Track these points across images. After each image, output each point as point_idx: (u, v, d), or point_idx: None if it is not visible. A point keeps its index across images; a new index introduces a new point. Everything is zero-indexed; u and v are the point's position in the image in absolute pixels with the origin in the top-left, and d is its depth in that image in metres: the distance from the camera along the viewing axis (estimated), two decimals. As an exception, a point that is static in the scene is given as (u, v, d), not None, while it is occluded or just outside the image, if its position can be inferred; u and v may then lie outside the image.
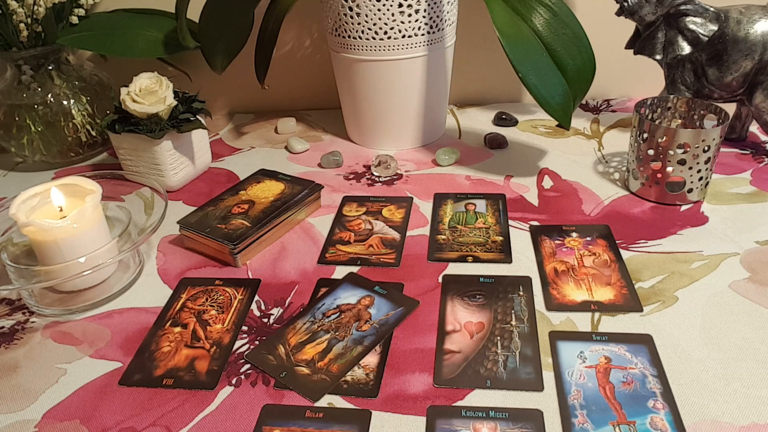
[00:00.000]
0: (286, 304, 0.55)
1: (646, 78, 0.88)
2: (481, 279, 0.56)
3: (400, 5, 0.71)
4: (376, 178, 0.75)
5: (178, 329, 0.53)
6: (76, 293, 0.58)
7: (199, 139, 0.77)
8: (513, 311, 0.52)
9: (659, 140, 0.63)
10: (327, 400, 0.45)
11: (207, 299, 0.56)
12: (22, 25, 0.76)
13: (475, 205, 0.68)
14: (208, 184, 0.77)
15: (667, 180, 0.64)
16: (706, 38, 0.70)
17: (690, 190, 0.65)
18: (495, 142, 0.81)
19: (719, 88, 0.73)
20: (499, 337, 0.49)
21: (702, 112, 0.68)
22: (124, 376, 0.48)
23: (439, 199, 0.70)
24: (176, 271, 0.61)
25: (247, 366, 0.48)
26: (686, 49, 0.71)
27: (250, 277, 0.59)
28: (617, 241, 0.60)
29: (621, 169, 0.74)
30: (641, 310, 0.51)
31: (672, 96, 0.70)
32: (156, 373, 0.48)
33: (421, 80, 0.77)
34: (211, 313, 0.54)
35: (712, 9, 0.70)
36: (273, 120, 0.95)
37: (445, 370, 0.46)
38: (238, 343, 0.51)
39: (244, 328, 0.53)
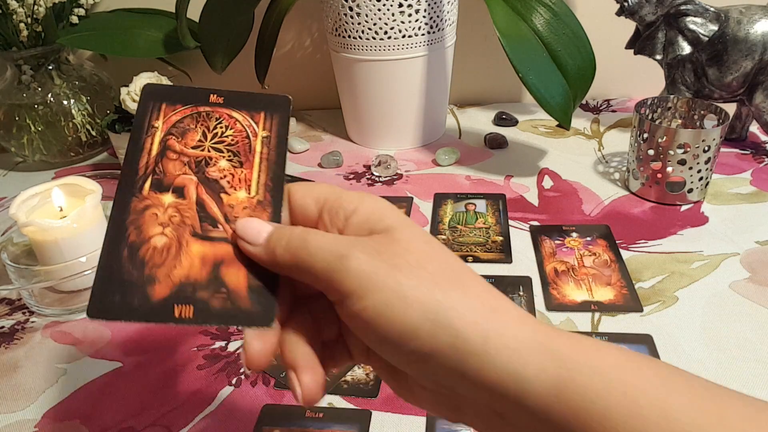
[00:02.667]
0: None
1: (646, 78, 0.88)
2: (481, 279, 0.56)
3: (400, 5, 0.71)
4: (376, 178, 0.75)
5: (169, 197, 0.30)
6: (76, 293, 0.57)
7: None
8: (513, 311, 0.52)
9: (659, 140, 0.63)
10: (327, 400, 0.45)
11: (204, 133, 0.33)
12: (22, 25, 0.76)
13: (475, 205, 0.68)
14: (208, 184, 0.77)
15: (667, 180, 0.64)
16: (707, 38, 0.70)
17: (690, 190, 0.65)
18: (495, 142, 0.81)
19: (719, 88, 0.73)
20: (499, 337, 0.49)
21: (702, 112, 0.68)
22: (95, 302, 0.27)
23: (439, 199, 0.70)
24: (176, 271, 0.61)
25: (247, 366, 0.48)
26: (686, 49, 0.71)
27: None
28: (617, 241, 0.60)
29: (621, 169, 0.74)
30: (641, 310, 0.51)
31: (672, 96, 0.70)
32: (155, 294, 0.28)
33: (421, 80, 0.77)
34: (220, 166, 0.32)
35: (712, 9, 0.70)
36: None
37: (445, 370, 0.46)
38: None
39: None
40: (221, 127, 0.33)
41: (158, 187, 0.31)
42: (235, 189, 0.31)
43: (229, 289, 0.28)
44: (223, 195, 0.31)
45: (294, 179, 0.71)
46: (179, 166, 0.31)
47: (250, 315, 0.28)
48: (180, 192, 0.31)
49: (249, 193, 0.31)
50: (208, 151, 0.32)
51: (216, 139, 0.33)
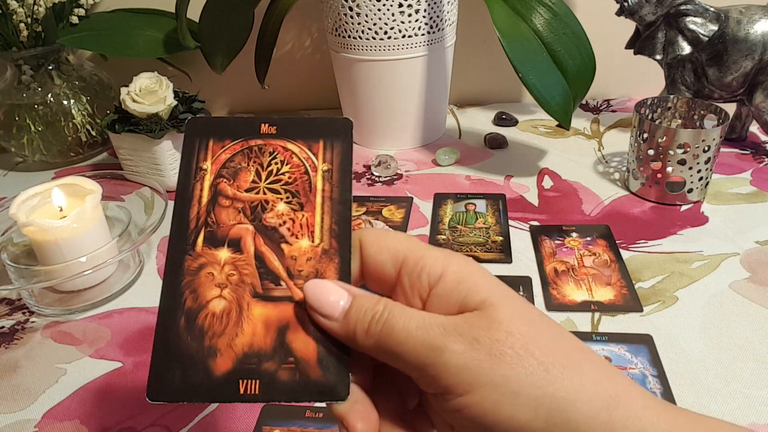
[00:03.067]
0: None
1: (646, 78, 0.88)
2: (481, 279, 0.56)
3: (400, 5, 0.71)
4: (376, 178, 0.75)
5: (225, 253, 0.27)
6: (76, 293, 0.57)
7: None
8: (513, 311, 0.52)
9: (659, 140, 0.63)
10: (327, 400, 0.45)
11: (257, 171, 0.29)
12: (22, 25, 0.76)
13: (475, 205, 0.68)
14: (208, 184, 0.76)
15: (667, 180, 0.64)
16: (706, 38, 0.70)
17: (690, 190, 0.65)
18: (495, 142, 0.81)
19: (719, 88, 0.73)
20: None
21: (702, 112, 0.68)
22: (153, 382, 0.25)
23: (439, 199, 0.70)
24: (176, 271, 0.61)
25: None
26: (686, 49, 0.71)
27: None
28: (617, 241, 0.60)
29: (621, 169, 0.74)
30: (641, 310, 0.51)
31: (672, 96, 0.70)
32: (218, 368, 0.26)
33: (421, 80, 0.77)
34: (278, 210, 0.28)
35: (712, 9, 0.70)
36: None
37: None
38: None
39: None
40: (276, 163, 0.29)
41: (212, 242, 0.27)
42: (297, 237, 0.28)
43: (297, 358, 0.25)
44: (283, 245, 0.27)
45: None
46: (233, 214, 0.28)
47: (323, 387, 0.25)
48: (236, 245, 0.27)
49: (312, 241, 0.28)
50: (264, 193, 0.29)
51: (272, 179, 0.29)
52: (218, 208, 0.28)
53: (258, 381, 0.25)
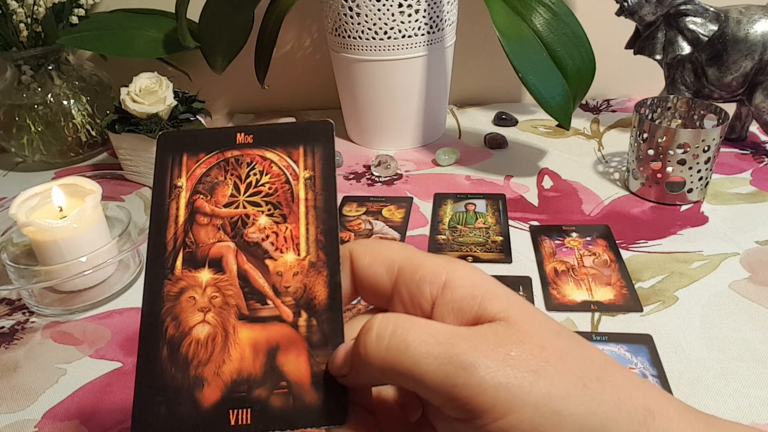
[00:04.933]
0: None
1: (646, 78, 0.88)
2: (481, 279, 0.56)
3: (400, 5, 0.71)
4: (376, 178, 0.75)
5: (206, 274, 0.26)
6: (76, 293, 0.57)
7: (199, 139, 0.77)
8: (513, 311, 0.52)
9: (659, 140, 0.63)
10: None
11: (236, 184, 0.28)
12: (22, 25, 0.76)
13: (475, 205, 0.68)
14: (208, 184, 0.76)
15: (667, 180, 0.64)
16: (706, 38, 0.70)
17: (690, 190, 0.65)
18: (495, 142, 0.81)
19: (719, 88, 0.73)
20: (499, 337, 0.49)
21: (702, 112, 0.68)
22: (138, 419, 0.25)
23: (439, 199, 0.70)
24: (176, 271, 0.61)
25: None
26: (686, 49, 0.71)
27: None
28: (617, 241, 0.60)
29: (621, 169, 0.74)
30: (641, 310, 0.51)
31: (672, 96, 0.70)
32: (205, 399, 0.24)
33: (421, 80, 0.77)
34: (260, 224, 0.27)
35: (712, 9, 0.70)
36: (273, 120, 0.95)
37: (445, 370, 0.46)
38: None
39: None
40: (255, 174, 0.28)
41: (192, 263, 0.26)
42: (282, 251, 0.26)
43: (290, 382, 0.24)
44: (268, 261, 0.26)
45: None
46: (212, 232, 0.26)
47: (320, 411, 0.23)
48: (218, 265, 0.26)
49: (298, 254, 0.26)
50: (244, 207, 0.27)
51: (251, 191, 0.27)
52: (196, 227, 0.27)
53: (249, 410, 0.24)
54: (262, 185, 0.27)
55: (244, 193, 0.27)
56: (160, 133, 0.29)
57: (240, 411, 0.24)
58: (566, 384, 0.20)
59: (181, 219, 0.27)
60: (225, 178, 0.28)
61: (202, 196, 0.27)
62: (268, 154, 0.28)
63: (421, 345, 0.21)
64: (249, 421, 0.24)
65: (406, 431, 0.25)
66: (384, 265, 0.25)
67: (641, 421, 0.21)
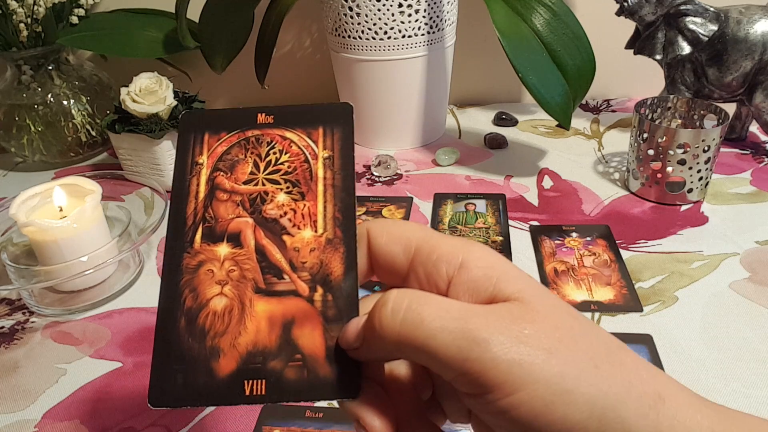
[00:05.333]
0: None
1: (646, 78, 0.88)
2: (481, 279, 0.56)
3: (400, 5, 0.71)
4: (376, 178, 0.75)
5: (224, 248, 0.27)
6: (76, 293, 0.57)
7: (199, 139, 0.77)
8: (513, 311, 0.52)
9: (659, 140, 0.63)
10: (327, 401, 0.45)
11: (255, 162, 0.28)
12: (22, 25, 0.76)
13: (475, 205, 0.68)
14: (208, 184, 0.76)
15: (667, 180, 0.64)
16: (706, 38, 0.70)
17: (690, 190, 0.65)
18: (495, 142, 0.81)
19: (719, 88, 0.73)
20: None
21: (702, 112, 0.68)
22: (155, 387, 0.25)
23: (439, 199, 0.70)
24: (176, 271, 0.61)
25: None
26: (686, 49, 0.71)
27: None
28: (617, 241, 0.60)
29: (621, 169, 0.74)
30: (641, 310, 0.51)
31: (672, 96, 0.70)
32: (221, 370, 0.25)
33: (421, 80, 0.77)
34: (279, 201, 0.27)
35: (712, 9, 0.70)
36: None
37: (445, 370, 0.46)
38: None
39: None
40: (275, 153, 0.28)
41: (211, 237, 0.26)
42: (299, 228, 0.26)
43: (304, 355, 0.24)
44: (285, 237, 0.26)
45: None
46: (232, 208, 0.27)
47: (333, 385, 0.24)
48: (236, 240, 0.26)
49: (316, 231, 0.26)
50: (263, 184, 0.27)
51: (270, 169, 0.28)
52: (216, 203, 0.27)
53: (264, 381, 0.24)
54: (282, 164, 0.28)
55: (264, 171, 0.28)
56: (183, 112, 0.30)
57: (255, 382, 0.24)
58: (578, 364, 0.21)
59: (202, 195, 0.27)
60: (245, 156, 0.28)
61: (222, 173, 0.28)
62: (288, 134, 0.29)
63: (436, 320, 0.21)
64: (263, 392, 0.24)
65: (417, 408, 0.25)
66: (401, 244, 0.25)
67: (651, 405, 0.21)
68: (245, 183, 0.28)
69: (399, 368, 0.26)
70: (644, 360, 0.23)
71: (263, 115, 0.29)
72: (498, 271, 0.23)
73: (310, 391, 0.24)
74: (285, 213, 0.27)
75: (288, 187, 0.27)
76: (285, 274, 0.26)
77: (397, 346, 0.22)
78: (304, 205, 0.27)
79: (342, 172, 0.28)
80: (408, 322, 0.21)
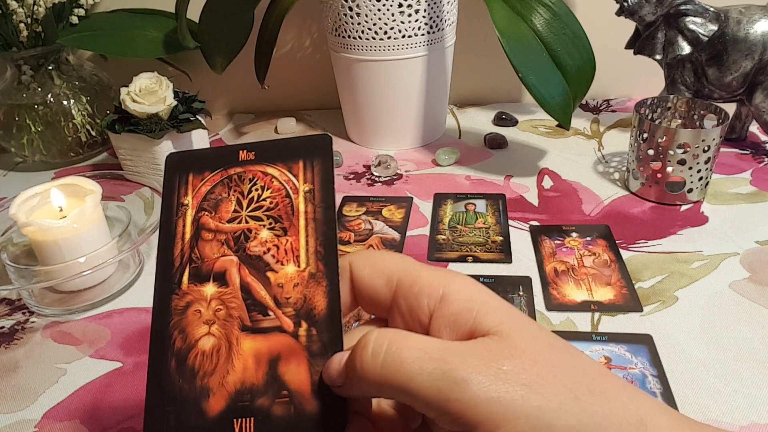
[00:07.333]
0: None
1: (646, 78, 0.88)
2: (481, 279, 0.56)
3: (400, 5, 0.71)
4: (376, 178, 0.75)
5: (211, 288, 0.27)
6: (76, 293, 0.58)
7: (199, 139, 0.77)
8: (513, 311, 0.52)
9: (659, 140, 0.63)
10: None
11: (238, 200, 0.29)
12: (22, 25, 0.76)
13: (475, 205, 0.68)
14: (208, 184, 0.76)
15: (667, 180, 0.64)
16: (706, 38, 0.70)
17: (690, 190, 0.65)
18: (495, 142, 0.81)
19: (719, 88, 0.73)
20: (499, 337, 0.49)
21: (702, 112, 0.68)
22: (149, 429, 0.25)
23: (439, 199, 0.70)
24: (176, 271, 0.61)
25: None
26: (686, 49, 0.71)
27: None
28: (617, 241, 0.60)
29: (621, 169, 0.74)
30: (641, 310, 0.51)
31: (672, 96, 0.70)
32: (211, 409, 0.25)
33: (421, 80, 0.77)
34: (262, 237, 0.28)
35: (712, 9, 0.70)
36: (273, 120, 0.95)
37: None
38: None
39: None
40: (257, 190, 0.29)
41: (197, 278, 0.27)
42: (282, 263, 0.27)
43: (290, 391, 0.25)
44: (269, 273, 0.27)
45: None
46: (217, 247, 0.27)
47: (319, 420, 0.24)
48: (222, 278, 0.27)
49: (299, 266, 0.27)
50: (246, 221, 0.28)
51: (253, 206, 0.28)
52: (201, 243, 0.28)
53: (252, 419, 0.24)
54: (264, 200, 0.28)
55: (247, 208, 0.28)
56: (168, 154, 0.31)
57: (244, 420, 0.24)
58: (558, 397, 0.21)
59: (188, 236, 0.28)
60: (228, 195, 0.29)
61: (206, 212, 0.28)
62: (269, 170, 0.29)
63: (416, 362, 0.21)
64: (252, 430, 0.24)
65: None
66: (383, 277, 0.25)
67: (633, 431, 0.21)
68: (229, 221, 0.28)
69: (386, 399, 0.26)
70: (628, 384, 0.23)
71: (245, 152, 0.30)
72: (478, 303, 0.23)
73: (297, 427, 0.24)
74: (268, 249, 0.27)
75: (270, 223, 0.28)
76: (270, 311, 0.26)
77: (379, 388, 0.22)
78: (287, 240, 0.27)
79: (323, 204, 0.28)
80: (388, 365, 0.22)
